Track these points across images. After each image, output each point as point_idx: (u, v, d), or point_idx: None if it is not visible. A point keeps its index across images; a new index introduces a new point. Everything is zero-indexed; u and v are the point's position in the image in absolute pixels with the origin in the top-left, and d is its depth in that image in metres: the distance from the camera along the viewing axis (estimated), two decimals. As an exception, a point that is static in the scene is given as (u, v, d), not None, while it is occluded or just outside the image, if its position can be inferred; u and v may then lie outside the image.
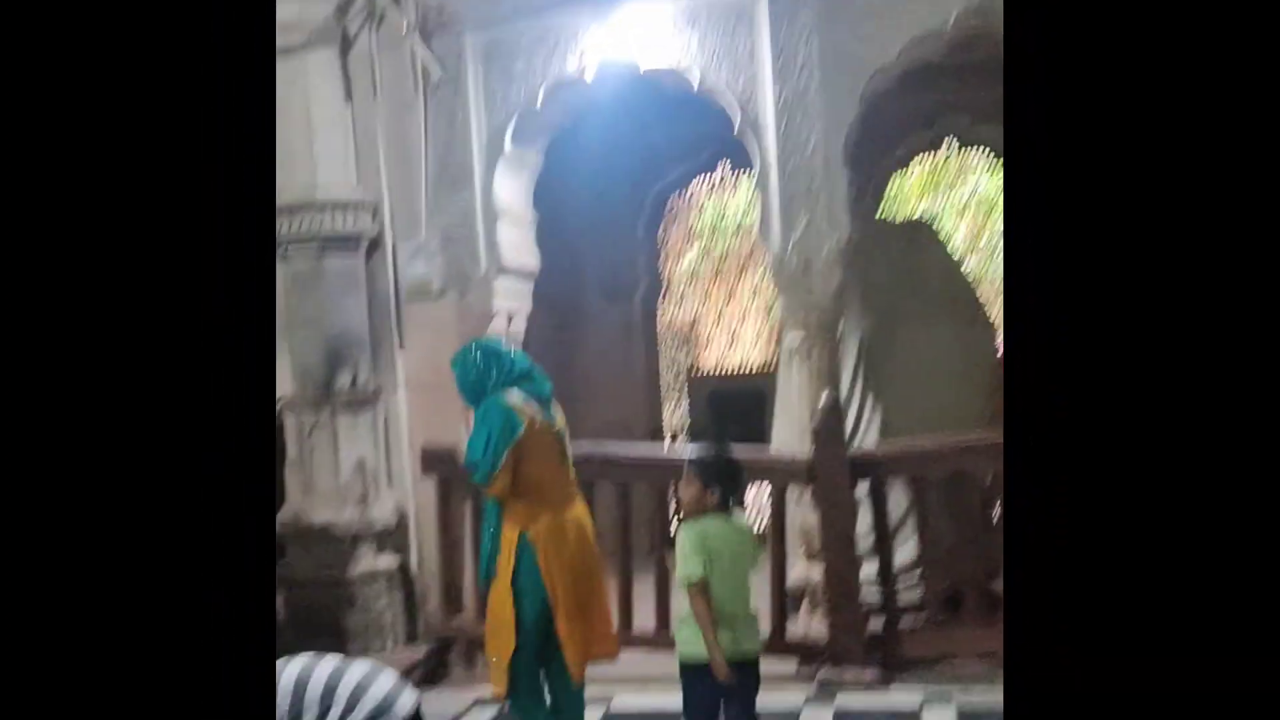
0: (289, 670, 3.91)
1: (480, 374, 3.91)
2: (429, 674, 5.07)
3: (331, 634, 5.29)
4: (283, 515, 5.53)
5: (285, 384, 5.62)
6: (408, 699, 3.94)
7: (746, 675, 3.46)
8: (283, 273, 5.58)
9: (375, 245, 5.64)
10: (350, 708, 3.79)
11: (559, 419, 4.00)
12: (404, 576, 5.58)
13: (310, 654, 4.06)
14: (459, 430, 4.85)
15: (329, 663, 3.96)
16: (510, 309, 5.89)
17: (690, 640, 3.41)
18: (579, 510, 4.01)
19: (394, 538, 5.57)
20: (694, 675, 3.43)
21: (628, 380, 7.99)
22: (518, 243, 5.92)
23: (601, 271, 8.00)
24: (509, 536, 3.84)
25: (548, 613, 3.83)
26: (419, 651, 5.28)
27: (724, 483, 3.45)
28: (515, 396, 3.88)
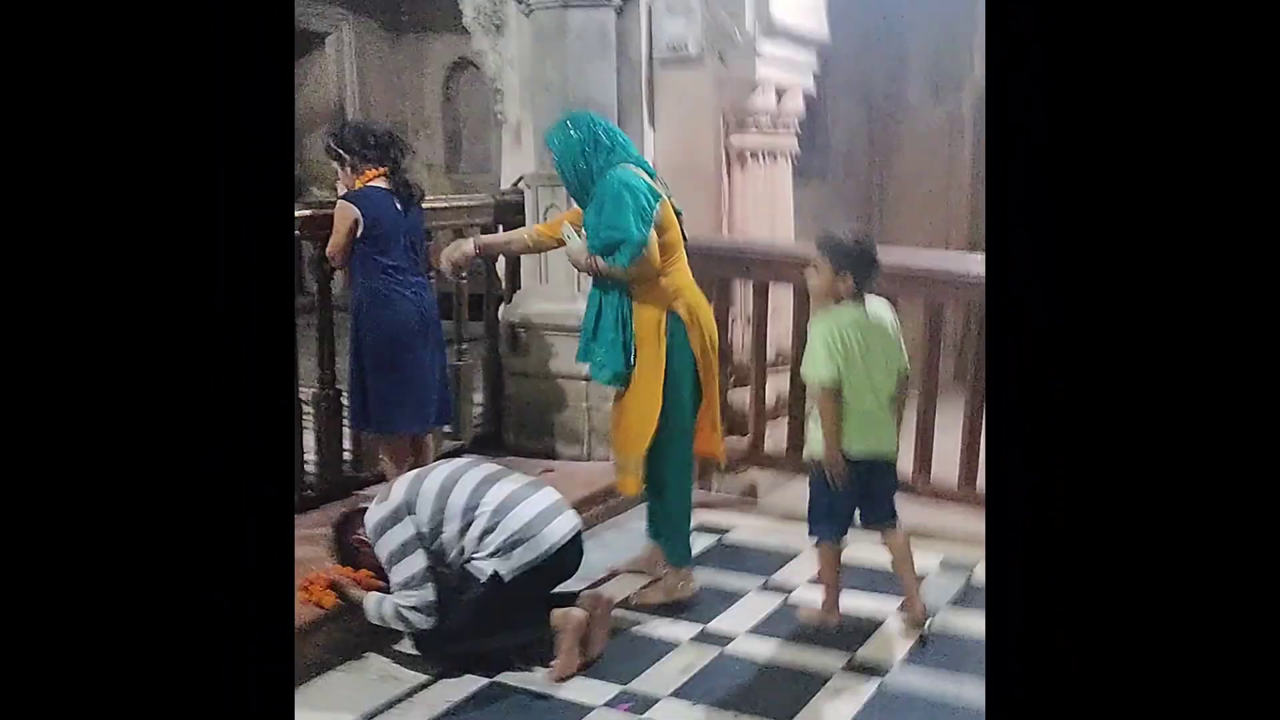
0: (435, 474, 3.34)
1: (597, 145, 3.42)
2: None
3: (549, 434, 4.87)
4: (514, 303, 5.08)
5: (528, 160, 5.09)
6: (563, 524, 3.26)
7: (883, 474, 3.35)
8: (526, 29, 4.95)
9: (628, -1, 4.85)
10: (492, 527, 3.24)
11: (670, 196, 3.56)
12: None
13: (469, 460, 3.48)
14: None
15: (479, 472, 3.36)
16: (781, 82, 4.94)
17: (817, 439, 3.27)
18: (701, 295, 3.64)
19: (626, 337, 4.96)
20: (821, 476, 3.29)
21: (948, 185, 6.81)
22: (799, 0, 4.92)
23: (924, 56, 6.74)
24: (650, 319, 3.41)
25: (698, 390, 3.54)
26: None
27: (855, 267, 3.20)
28: (639, 170, 3.46)
